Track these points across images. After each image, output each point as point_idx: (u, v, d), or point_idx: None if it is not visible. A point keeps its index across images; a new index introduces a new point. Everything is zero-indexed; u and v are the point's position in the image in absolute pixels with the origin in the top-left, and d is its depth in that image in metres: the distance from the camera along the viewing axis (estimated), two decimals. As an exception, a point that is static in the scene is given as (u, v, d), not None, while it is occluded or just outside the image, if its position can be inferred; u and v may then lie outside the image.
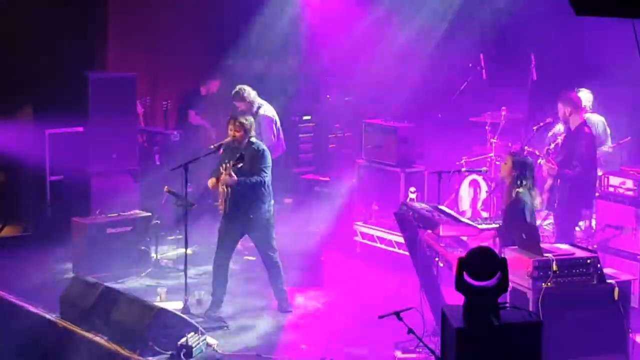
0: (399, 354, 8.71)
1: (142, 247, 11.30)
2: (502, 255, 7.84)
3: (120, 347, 8.80)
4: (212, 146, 9.97)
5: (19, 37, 12.41)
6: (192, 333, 8.81)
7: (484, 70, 12.23)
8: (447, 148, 12.15)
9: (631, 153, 11.58)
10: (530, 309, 7.73)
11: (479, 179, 11.90)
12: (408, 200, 11.32)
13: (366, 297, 10.62)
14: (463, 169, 11.05)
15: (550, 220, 11.09)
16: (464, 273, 6.44)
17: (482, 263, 6.45)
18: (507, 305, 6.69)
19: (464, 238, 8.94)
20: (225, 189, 9.59)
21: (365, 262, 11.94)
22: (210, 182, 9.76)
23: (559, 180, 10.29)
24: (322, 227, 11.47)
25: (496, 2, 12.80)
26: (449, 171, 10.37)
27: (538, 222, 10.29)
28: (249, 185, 9.58)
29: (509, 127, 12.18)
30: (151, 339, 8.70)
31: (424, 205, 9.56)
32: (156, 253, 11.55)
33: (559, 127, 10.99)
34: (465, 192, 12.03)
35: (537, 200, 8.94)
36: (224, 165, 9.59)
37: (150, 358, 8.62)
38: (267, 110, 11.39)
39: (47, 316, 9.65)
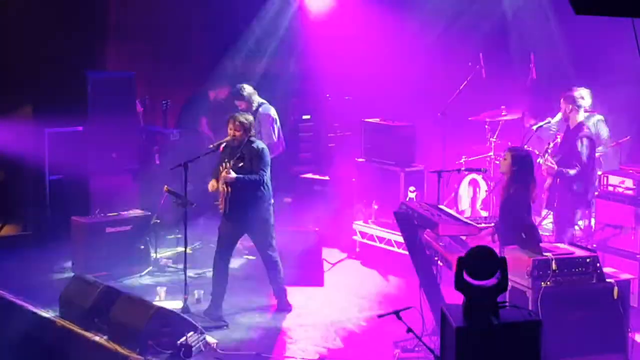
0: (398, 353, 8.71)
1: (142, 246, 11.29)
2: (502, 255, 7.86)
3: (120, 346, 8.80)
4: (211, 145, 9.98)
5: (19, 37, 12.41)
6: (192, 332, 8.82)
7: (483, 69, 12.23)
8: (447, 147, 12.15)
9: (630, 152, 11.58)
10: (530, 308, 7.74)
11: (479, 178, 11.91)
12: (407, 199, 11.32)
13: (365, 296, 10.63)
14: (462, 168, 11.04)
15: (550, 219, 11.10)
16: (464, 272, 6.45)
17: (481, 262, 6.46)
18: (507, 304, 6.69)
19: (464, 237, 8.94)
20: (225, 189, 9.59)
21: (364, 262, 11.94)
22: (211, 185, 9.76)
23: (558, 179, 10.29)
24: (321, 226, 11.47)
25: (496, 1, 12.81)
26: (449, 170, 10.39)
27: (537, 221, 10.31)
28: (248, 182, 9.58)
29: (509, 126, 12.18)
30: (150, 338, 8.71)
31: (423, 205, 9.56)
32: (156, 252, 11.55)
33: (556, 119, 11.01)
34: (464, 192, 12.03)
35: (535, 195, 8.95)
36: (223, 165, 9.59)
37: (149, 357, 8.62)
38: (267, 109, 11.40)
39: (47, 315, 9.66)
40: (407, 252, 9.81)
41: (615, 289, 8.15)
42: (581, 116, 10.43)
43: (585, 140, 10.25)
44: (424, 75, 13.27)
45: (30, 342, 9.40)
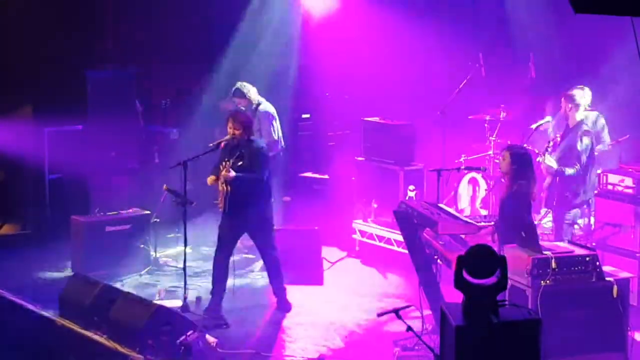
0: (398, 351, 8.72)
1: (141, 245, 11.30)
2: (501, 253, 7.86)
3: (120, 345, 8.79)
4: (211, 144, 9.97)
5: (19, 37, 12.41)
6: (191, 331, 8.81)
7: (483, 68, 12.23)
8: (446, 146, 12.15)
9: (630, 151, 11.58)
10: (530, 306, 7.74)
11: (478, 176, 11.91)
12: (407, 198, 11.33)
13: (365, 295, 10.63)
14: (462, 167, 11.05)
15: (549, 218, 11.10)
16: (463, 271, 6.44)
17: (481, 261, 6.45)
18: (506, 303, 6.69)
19: (463, 236, 8.94)
20: (225, 187, 9.59)
21: (364, 260, 11.94)
22: (210, 178, 9.77)
23: (557, 178, 10.30)
24: (321, 225, 11.47)
25: (495, 0, 12.82)
26: (448, 169, 10.39)
27: (537, 221, 10.31)
28: (247, 181, 9.58)
29: (508, 125, 12.18)
30: (150, 337, 8.70)
31: (423, 203, 9.57)
32: (155, 251, 11.55)
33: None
34: (464, 190, 12.03)
35: (535, 192, 8.95)
36: (223, 164, 9.60)
37: (149, 356, 8.61)
38: (267, 107, 11.40)
39: (46, 314, 9.64)
40: (406, 251, 9.81)
41: (615, 288, 8.16)
42: (581, 115, 10.44)
43: (584, 139, 10.27)
44: (424, 74, 13.28)
45: (30, 341, 9.38)
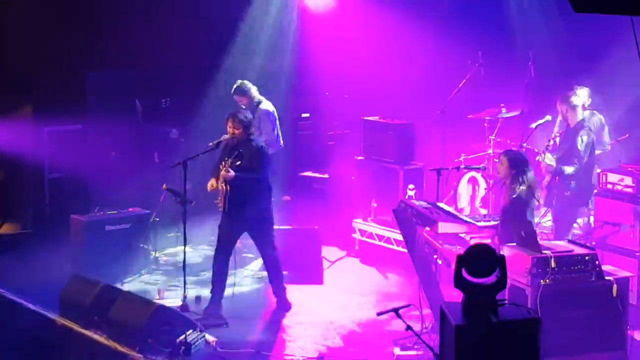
0: (397, 351, 8.72)
1: (141, 245, 11.29)
2: (501, 252, 7.86)
3: (120, 344, 8.80)
4: (210, 144, 9.98)
5: (19, 36, 12.40)
6: (191, 330, 8.83)
7: (482, 68, 12.24)
8: (446, 145, 12.15)
9: (629, 150, 11.59)
10: (529, 305, 7.75)
11: (478, 176, 11.91)
12: (407, 197, 11.32)
13: (365, 294, 10.63)
14: (462, 166, 11.05)
15: (549, 217, 11.11)
16: (463, 270, 6.45)
17: (480, 260, 6.46)
18: (506, 302, 6.70)
19: (463, 235, 8.95)
20: (225, 187, 9.59)
21: (364, 259, 11.95)
22: (210, 184, 9.77)
23: (557, 177, 10.31)
24: (320, 224, 11.48)
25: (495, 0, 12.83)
26: (448, 168, 10.39)
27: (537, 220, 10.32)
28: (247, 180, 9.59)
29: (508, 124, 12.19)
30: (150, 336, 8.70)
31: (422, 203, 9.57)
32: (155, 250, 11.55)
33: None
34: (463, 189, 12.03)
35: (538, 194, 8.95)
36: (223, 163, 9.60)
37: (149, 355, 8.62)
38: (267, 105, 11.40)
39: (46, 314, 9.64)
40: (406, 250, 9.82)
41: (614, 287, 8.17)
42: (580, 115, 10.45)
43: (584, 138, 10.29)
44: (423, 73, 13.28)
45: (30, 341, 9.38)
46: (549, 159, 10.23)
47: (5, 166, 12.71)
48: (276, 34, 13.60)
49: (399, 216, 9.48)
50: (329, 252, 11.89)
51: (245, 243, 11.16)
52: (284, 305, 10.08)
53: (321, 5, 13.84)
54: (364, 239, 12.12)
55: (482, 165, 11.29)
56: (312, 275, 11.00)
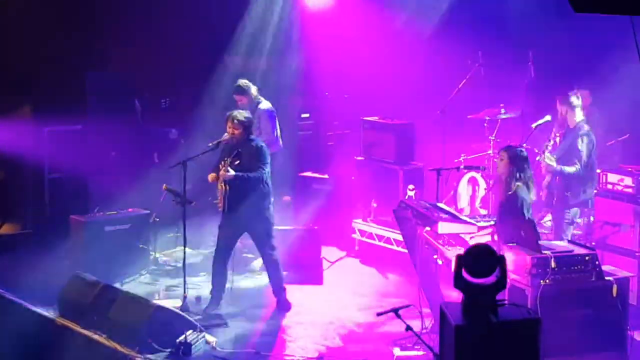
0: (397, 351, 8.71)
1: (141, 245, 11.29)
2: (501, 253, 7.86)
3: (119, 344, 8.80)
4: (210, 144, 9.98)
5: (19, 36, 12.40)
6: (191, 331, 8.83)
7: (482, 68, 12.23)
8: (446, 145, 12.15)
9: (629, 150, 11.59)
10: (529, 306, 7.74)
11: (478, 176, 11.91)
12: (407, 197, 11.32)
13: (364, 295, 10.63)
14: (461, 167, 11.05)
15: (549, 217, 11.10)
16: (463, 270, 6.45)
17: (480, 260, 6.46)
18: (506, 302, 6.70)
19: (463, 235, 8.94)
20: (224, 187, 9.60)
21: (363, 260, 11.95)
22: (211, 176, 9.77)
23: (557, 177, 10.31)
24: (320, 225, 11.48)
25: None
26: (448, 168, 10.39)
27: (536, 220, 10.31)
28: (246, 180, 9.59)
29: (507, 125, 12.18)
30: (150, 336, 8.71)
31: (422, 203, 9.57)
32: (155, 251, 11.55)
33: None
34: (463, 190, 12.03)
35: (534, 192, 8.96)
36: (222, 163, 9.60)
37: (148, 355, 8.62)
38: (267, 105, 11.40)
39: (46, 314, 9.65)
40: (406, 250, 9.82)
41: (614, 287, 8.17)
42: (579, 116, 10.44)
43: (585, 138, 10.28)
44: (423, 74, 13.27)
45: (30, 341, 9.39)
46: (549, 159, 10.22)
47: (5, 166, 12.71)
48: (276, 34, 13.60)
49: (398, 216, 9.48)
50: (329, 253, 11.89)
51: (245, 243, 11.16)
52: (283, 306, 10.08)
53: (321, 5, 13.84)
54: (364, 239, 12.11)
55: (482, 165, 11.31)
56: (312, 275, 11.00)
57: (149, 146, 12.81)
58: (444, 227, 8.75)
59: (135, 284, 10.83)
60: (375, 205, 12.02)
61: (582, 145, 10.25)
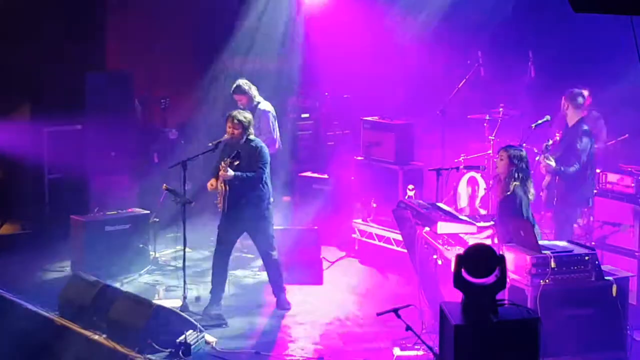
0: (397, 351, 8.71)
1: (141, 245, 11.29)
2: (501, 252, 7.86)
3: (119, 344, 8.80)
4: (210, 144, 9.97)
5: (17, 35, 12.40)
6: (191, 330, 8.82)
7: (482, 68, 12.23)
8: (446, 145, 12.15)
9: (629, 150, 11.58)
10: (529, 305, 7.74)
11: (477, 176, 11.90)
12: (406, 197, 11.32)
13: (364, 295, 10.63)
14: (461, 166, 11.04)
15: (549, 217, 11.09)
16: (462, 270, 6.45)
17: (480, 260, 6.46)
18: (506, 302, 6.70)
19: (462, 235, 8.94)
20: (224, 187, 9.60)
21: (363, 260, 11.94)
22: (210, 184, 9.77)
23: (557, 177, 10.31)
24: (320, 225, 11.47)
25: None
26: (448, 168, 10.38)
27: (536, 219, 10.32)
28: (245, 180, 9.58)
29: (507, 124, 12.18)
30: (150, 336, 8.70)
31: (422, 203, 9.57)
32: (155, 251, 11.55)
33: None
34: (463, 190, 12.02)
35: (532, 191, 8.97)
36: (222, 163, 9.60)
37: (148, 355, 8.62)
38: (266, 105, 11.40)
39: (46, 314, 9.65)
40: (405, 251, 9.82)
41: (614, 287, 8.17)
42: (579, 115, 10.44)
43: (584, 138, 10.28)
44: (423, 74, 13.27)
45: (30, 341, 9.40)
46: (549, 159, 10.22)
47: (5, 166, 12.73)
48: (276, 34, 13.60)
49: (398, 216, 9.48)
50: (329, 253, 11.89)
51: (245, 243, 11.16)
52: (283, 305, 10.08)
53: (321, 5, 13.84)
54: (364, 239, 12.11)
55: (482, 165, 11.30)
56: (312, 275, 10.99)
57: (149, 146, 12.81)
58: (444, 227, 8.75)
59: (135, 284, 10.82)
60: (375, 205, 12.01)
61: (581, 145, 10.24)
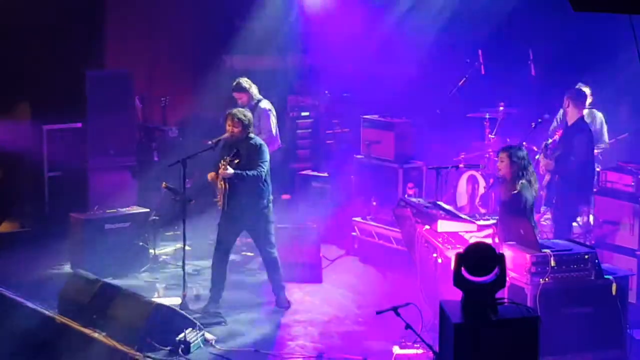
0: (396, 349, 8.71)
1: (141, 243, 11.29)
2: (501, 251, 7.86)
3: (118, 342, 8.80)
4: (210, 142, 9.97)
5: (17, 34, 12.40)
6: (190, 329, 8.82)
7: (482, 66, 12.23)
8: (446, 144, 12.15)
9: (629, 149, 11.59)
10: (528, 304, 7.75)
11: (477, 174, 11.91)
12: (406, 196, 11.32)
13: (364, 293, 10.62)
14: (461, 165, 11.04)
15: (548, 215, 11.10)
16: (462, 268, 6.45)
17: (480, 258, 6.46)
18: (505, 300, 6.69)
19: (462, 234, 8.95)
20: (223, 185, 9.59)
21: (363, 258, 11.93)
22: (210, 175, 9.77)
23: (556, 176, 10.31)
24: (320, 223, 11.47)
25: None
26: (447, 167, 10.38)
27: (536, 218, 10.32)
28: (245, 178, 9.58)
29: (507, 123, 12.18)
30: (149, 334, 8.70)
31: (422, 201, 9.57)
32: (154, 249, 11.55)
33: (557, 119, 11.05)
34: (463, 188, 12.03)
35: (536, 187, 8.97)
36: (222, 162, 9.59)
37: (148, 354, 8.62)
38: (266, 103, 11.40)
39: (46, 312, 9.65)
40: (405, 249, 9.82)
41: (614, 285, 8.17)
42: (579, 113, 10.44)
43: (584, 137, 10.27)
44: (423, 72, 13.26)
45: (29, 339, 9.39)
46: (549, 158, 10.22)
47: (5, 164, 12.72)
48: (276, 33, 13.59)
49: (398, 215, 9.48)
50: (328, 251, 11.88)
51: (244, 241, 11.16)
52: (283, 304, 10.08)
53: (321, 4, 13.83)
54: (364, 237, 12.10)
55: (482, 164, 11.31)
56: (311, 273, 10.99)
57: (149, 144, 12.80)
58: (444, 226, 8.75)
59: (135, 282, 10.82)
60: (374, 203, 12.00)
61: (581, 144, 10.24)
